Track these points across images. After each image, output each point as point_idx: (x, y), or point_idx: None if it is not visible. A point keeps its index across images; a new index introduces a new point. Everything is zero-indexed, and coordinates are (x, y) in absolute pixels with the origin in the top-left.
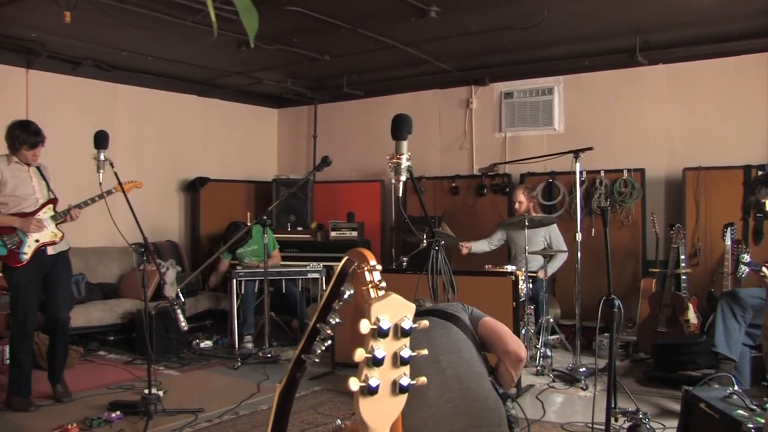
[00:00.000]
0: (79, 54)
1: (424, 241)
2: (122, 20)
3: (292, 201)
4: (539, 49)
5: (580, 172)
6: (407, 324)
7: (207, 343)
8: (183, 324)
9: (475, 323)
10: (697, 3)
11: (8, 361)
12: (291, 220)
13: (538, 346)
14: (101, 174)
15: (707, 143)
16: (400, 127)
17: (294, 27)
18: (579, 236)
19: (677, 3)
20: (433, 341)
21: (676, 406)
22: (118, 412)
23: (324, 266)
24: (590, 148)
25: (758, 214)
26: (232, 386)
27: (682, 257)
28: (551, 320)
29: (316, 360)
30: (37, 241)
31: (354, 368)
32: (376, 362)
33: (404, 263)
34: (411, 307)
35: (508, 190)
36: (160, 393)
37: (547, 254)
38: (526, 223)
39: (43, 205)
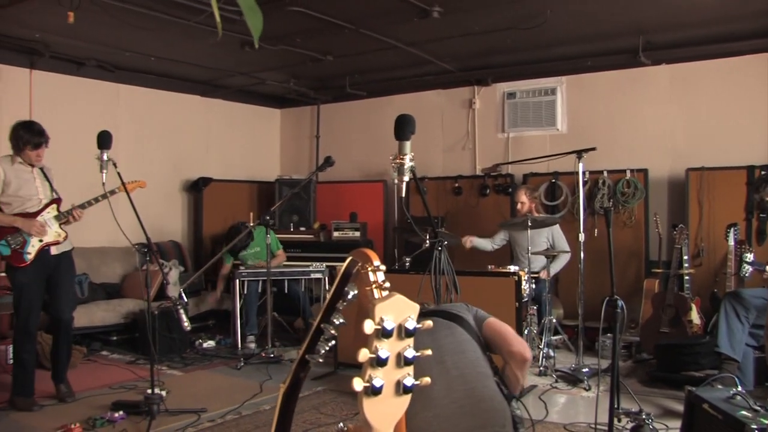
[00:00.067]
0: (83, 54)
1: (427, 241)
2: (125, 21)
3: (295, 201)
4: (542, 49)
5: (583, 173)
6: (411, 324)
7: (210, 343)
8: (186, 324)
9: (479, 324)
10: (700, 3)
11: (12, 361)
12: (294, 220)
13: (541, 347)
14: (104, 174)
15: (710, 143)
16: (404, 128)
17: (297, 27)
18: (582, 237)
19: (680, 3)
20: (438, 342)
21: (679, 407)
22: (121, 412)
23: (327, 266)
24: (593, 149)
25: (761, 214)
26: (235, 386)
27: (685, 258)
28: (554, 321)
29: (320, 360)
30: (40, 241)
31: (357, 368)
32: (380, 362)
33: (407, 263)
34: (415, 308)
35: (510, 190)
36: (163, 393)
37: (550, 254)
38: (529, 224)
39: (47, 205)
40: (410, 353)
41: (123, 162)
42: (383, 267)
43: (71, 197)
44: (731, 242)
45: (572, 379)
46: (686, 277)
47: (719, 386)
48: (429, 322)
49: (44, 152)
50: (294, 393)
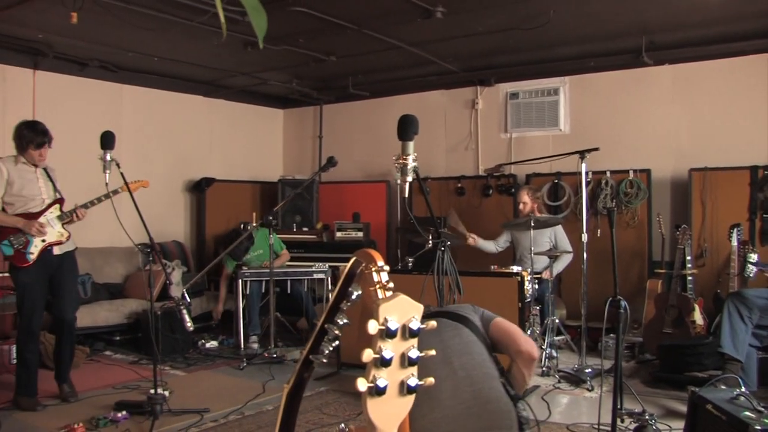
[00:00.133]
0: (86, 55)
1: (430, 241)
2: (128, 21)
3: (298, 201)
4: (545, 49)
5: (586, 173)
6: (415, 324)
7: (212, 344)
8: (189, 324)
9: (486, 324)
10: (703, 3)
11: (15, 361)
12: (297, 220)
13: (544, 347)
14: (107, 174)
15: (713, 144)
16: (407, 128)
17: (300, 27)
18: (585, 237)
19: (683, 3)
20: (445, 343)
21: (683, 408)
22: (124, 412)
23: (329, 267)
24: (596, 149)
25: (765, 215)
26: (238, 386)
27: (688, 258)
28: (557, 321)
29: (324, 360)
30: (43, 241)
31: (360, 369)
32: (384, 363)
33: (410, 264)
34: (419, 308)
35: (513, 190)
36: (166, 393)
37: (553, 255)
38: (532, 224)
39: (50, 205)
40: (414, 353)
41: (126, 162)
42: (387, 267)
43: (74, 197)
44: (734, 243)
45: (575, 379)
46: (689, 278)
47: (722, 387)
48: (433, 323)
49: (47, 152)
50: (298, 393)
